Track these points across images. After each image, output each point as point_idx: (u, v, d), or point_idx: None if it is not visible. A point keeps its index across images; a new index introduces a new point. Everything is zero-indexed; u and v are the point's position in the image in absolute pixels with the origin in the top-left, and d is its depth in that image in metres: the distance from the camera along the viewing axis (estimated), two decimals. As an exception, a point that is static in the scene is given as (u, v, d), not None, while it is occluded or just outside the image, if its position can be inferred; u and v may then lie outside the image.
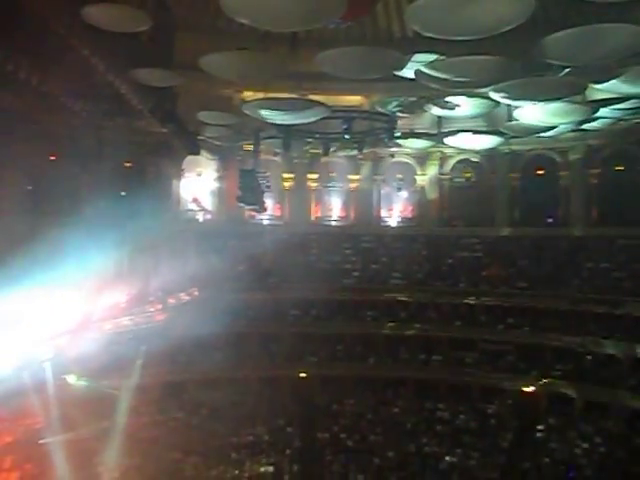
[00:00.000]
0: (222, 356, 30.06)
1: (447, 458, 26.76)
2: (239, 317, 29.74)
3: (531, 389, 28.52)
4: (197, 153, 28.19)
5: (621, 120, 24.19)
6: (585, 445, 25.97)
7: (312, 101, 20.24)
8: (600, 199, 33.38)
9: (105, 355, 23.67)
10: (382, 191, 37.30)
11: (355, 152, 30.31)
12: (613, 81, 16.30)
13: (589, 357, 28.25)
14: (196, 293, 29.42)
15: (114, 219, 23.41)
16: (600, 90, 18.76)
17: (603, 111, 20.88)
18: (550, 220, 34.97)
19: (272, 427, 28.76)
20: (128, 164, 30.92)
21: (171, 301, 28.31)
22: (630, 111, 21.40)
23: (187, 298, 29.01)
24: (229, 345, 30.11)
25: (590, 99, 20.51)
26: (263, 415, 29.19)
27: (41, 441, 21.45)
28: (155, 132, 26.79)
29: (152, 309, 27.13)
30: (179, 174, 33.31)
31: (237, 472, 25.80)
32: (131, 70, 18.15)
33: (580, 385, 27.60)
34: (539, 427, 27.82)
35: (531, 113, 19.57)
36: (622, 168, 32.72)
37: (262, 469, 26.21)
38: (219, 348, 30.01)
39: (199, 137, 26.66)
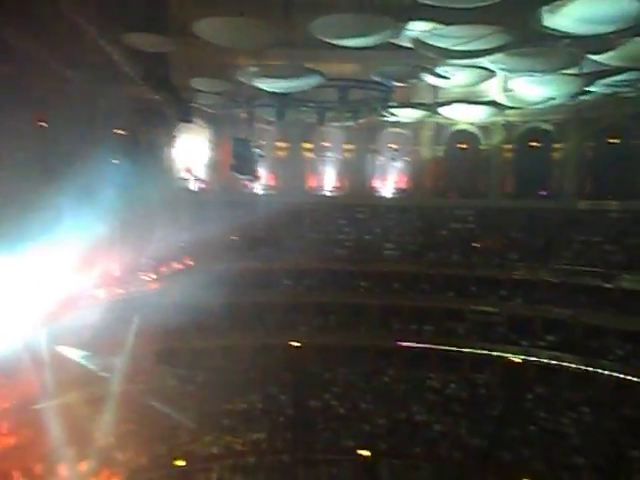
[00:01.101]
0: (215, 325, 30.29)
1: (437, 426, 27.29)
2: (232, 286, 29.83)
3: (520, 359, 28.96)
4: (190, 121, 27.86)
5: (616, 93, 24.02)
6: (573, 414, 26.52)
7: (306, 68, 19.98)
8: (593, 172, 33.36)
9: (99, 324, 23.75)
10: (377, 162, 37.12)
11: (350, 122, 30.06)
12: (610, 53, 16.13)
13: (579, 328, 28.60)
14: (190, 262, 29.46)
15: (107, 187, 23.23)
16: (596, 62, 18.58)
17: (598, 83, 20.72)
18: (543, 192, 34.99)
19: (265, 395, 29.18)
20: (121, 132, 30.57)
21: (164, 270, 28.34)
22: (625, 83, 21.23)
23: (180, 267, 29.06)
24: (222, 314, 30.27)
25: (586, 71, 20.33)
26: (256, 383, 29.56)
27: (36, 407, 21.67)
28: (148, 99, 26.45)
29: (146, 278, 27.18)
30: (172, 142, 32.99)
31: (230, 439, 26.23)
32: (123, 35, 17.81)
33: (569, 356, 28.03)
34: (528, 396, 28.38)
35: (527, 84, 19.41)
36: (617, 141, 32.62)
37: (255, 436, 26.66)
38: (212, 317, 30.19)
39: (192, 104, 26.34)
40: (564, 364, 28.24)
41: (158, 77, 22.11)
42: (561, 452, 24.53)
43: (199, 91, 24.43)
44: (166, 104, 25.98)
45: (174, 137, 33.03)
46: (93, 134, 28.03)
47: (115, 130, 30.15)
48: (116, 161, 29.44)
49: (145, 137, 31.42)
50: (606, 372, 26.93)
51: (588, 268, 29.17)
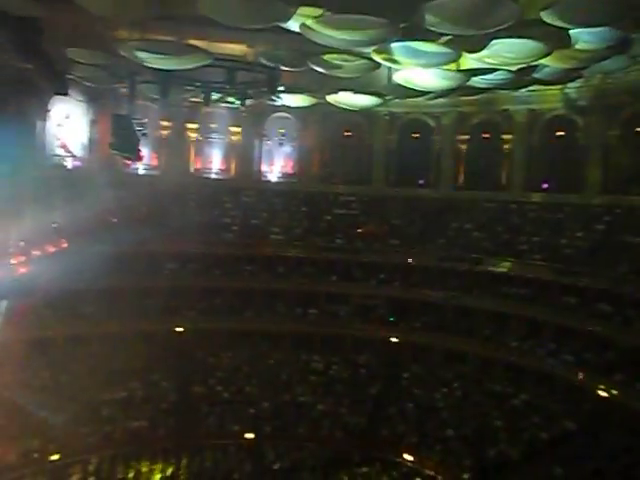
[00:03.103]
0: (93, 311, 28.91)
1: (320, 406, 28.04)
2: (111, 270, 28.51)
3: (396, 339, 30.46)
4: (65, 93, 25.95)
5: (490, 89, 25.70)
6: (444, 390, 28.37)
7: (192, 46, 19.35)
8: (467, 164, 35.69)
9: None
10: (264, 146, 37.03)
11: (238, 104, 29.60)
12: (484, 52, 17.15)
13: (450, 310, 30.54)
14: (64, 245, 27.69)
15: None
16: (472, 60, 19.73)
17: (474, 80, 22.02)
18: (421, 182, 36.87)
19: (147, 382, 28.32)
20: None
21: (36, 253, 26.40)
22: (497, 82, 22.74)
23: (54, 250, 27.22)
24: (100, 299, 28.95)
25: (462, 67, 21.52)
26: (137, 370, 28.57)
27: None
28: (18, 68, 24.34)
29: (14, 261, 25.16)
30: (45, 115, 30.70)
31: (109, 428, 25.23)
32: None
33: (441, 335, 29.90)
34: (404, 375, 29.96)
35: (409, 76, 20.17)
36: (487, 136, 35.09)
37: (136, 424, 25.85)
38: (89, 302, 28.79)
39: (69, 76, 24.58)
40: (437, 343, 30.16)
41: (29, 45, 20.34)
42: (434, 425, 26.20)
43: (76, 62, 22.83)
44: (39, 75, 24.03)
45: (48, 111, 30.77)
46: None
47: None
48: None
49: (13, 108, 28.91)
50: (474, 350, 29.13)
51: (460, 253, 31.24)
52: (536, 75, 20.49)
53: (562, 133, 32.51)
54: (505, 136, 34.26)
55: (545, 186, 33.00)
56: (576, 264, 27.56)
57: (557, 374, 25.89)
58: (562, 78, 23.23)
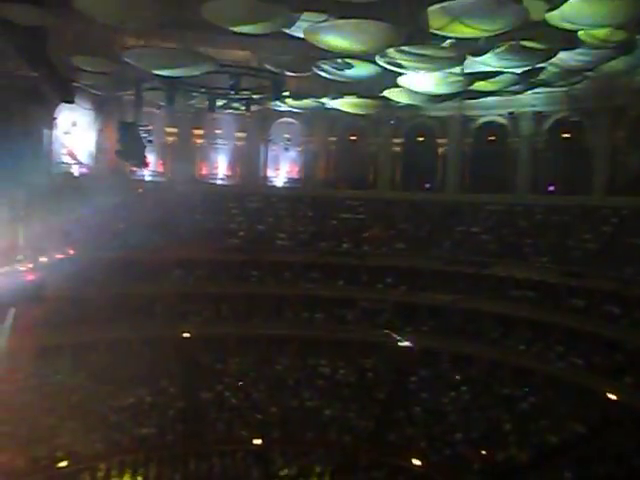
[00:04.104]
0: (101, 317, 28.93)
1: (327, 411, 27.96)
2: (119, 277, 28.60)
3: (405, 344, 30.35)
4: (72, 101, 26.22)
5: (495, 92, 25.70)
6: (452, 394, 28.25)
7: (199, 54, 19.49)
8: (472, 167, 35.61)
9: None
10: (270, 151, 37.12)
11: (242, 109, 29.71)
12: (488, 55, 17.17)
13: (457, 313, 30.41)
14: (71, 251, 27.80)
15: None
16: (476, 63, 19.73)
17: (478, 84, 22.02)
18: (428, 185, 36.84)
19: (154, 388, 28.33)
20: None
21: (43, 260, 26.51)
22: (504, 84, 22.72)
23: (61, 256, 27.34)
24: (108, 306, 28.97)
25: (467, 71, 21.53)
26: (145, 376, 28.60)
27: None
28: (25, 76, 24.49)
29: (21, 268, 25.27)
30: (51, 123, 30.88)
31: (118, 435, 25.24)
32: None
33: (448, 339, 29.79)
34: (412, 379, 29.85)
35: (414, 81, 20.21)
36: (493, 138, 35.04)
37: (144, 430, 25.85)
38: (97, 309, 28.81)
39: (75, 84, 24.76)
40: (444, 347, 30.04)
41: (36, 53, 20.49)
42: (442, 430, 26.07)
43: (82, 70, 23.00)
44: (44, 82, 24.19)
45: (54, 118, 30.97)
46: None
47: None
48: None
49: (20, 117, 29.10)
50: (481, 353, 29.00)
51: (466, 257, 31.10)
52: (542, 77, 20.50)
53: (568, 135, 32.42)
54: (510, 139, 34.19)
55: (551, 188, 32.91)
56: (584, 266, 27.42)
57: (566, 377, 25.72)
58: (567, 80, 23.23)
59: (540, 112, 32.64)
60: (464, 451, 24.23)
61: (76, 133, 32.38)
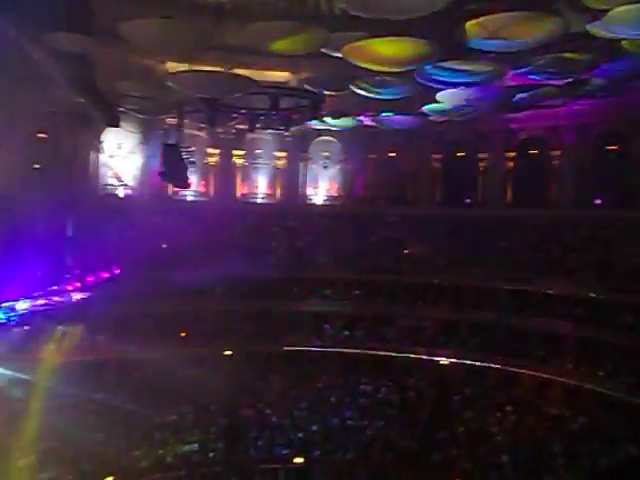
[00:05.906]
0: (144, 335, 29.38)
1: (369, 430, 27.62)
2: (162, 295, 29.08)
3: (447, 362, 29.82)
4: (117, 125, 27.10)
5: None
6: (497, 414, 27.53)
7: (238, 76, 19.90)
8: (514, 182, 34.98)
9: (20, 336, 22.57)
10: (309, 169, 37.39)
11: (282, 129, 30.11)
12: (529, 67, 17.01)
13: (501, 331, 29.74)
14: (116, 271, 28.51)
15: (27, 192, 22.21)
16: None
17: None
18: (468, 201, 36.36)
19: (196, 406, 28.55)
20: (42, 134, 29.26)
21: (90, 279, 27.28)
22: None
23: (107, 276, 28.07)
24: (151, 324, 29.44)
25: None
26: (187, 394, 28.86)
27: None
28: (72, 102, 25.46)
29: (69, 287, 26.06)
30: (97, 146, 31.94)
31: (161, 452, 25.49)
32: (44, 35, 17.09)
33: (493, 357, 29.13)
34: (455, 398, 29.24)
35: (452, 96, 20.15)
36: (535, 152, 34.38)
37: (186, 447, 26.04)
38: (141, 327, 29.30)
39: (119, 108, 25.60)
40: (488, 365, 29.37)
41: (82, 79, 21.32)
42: (487, 451, 25.37)
43: (126, 95, 23.79)
44: (92, 107, 25.10)
45: (101, 142, 32.02)
46: (12, 137, 26.72)
47: (37, 134, 28.87)
48: (37, 165, 28.25)
49: (68, 140, 30.21)
50: (527, 372, 28.23)
51: (509, 273, 30.46)
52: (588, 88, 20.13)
53: (614, 147, 31.58)
54: (554, 152, 33.52)
55: (598, 202, 32.04)
56: (630, 282, 26.48)
57: (616, 396, 24.75)
58: (611, 90, 22.74)
59: (584, 124, 31.92)
60: (511, 474, 23.49)
61: (121, 155, 33.34)
